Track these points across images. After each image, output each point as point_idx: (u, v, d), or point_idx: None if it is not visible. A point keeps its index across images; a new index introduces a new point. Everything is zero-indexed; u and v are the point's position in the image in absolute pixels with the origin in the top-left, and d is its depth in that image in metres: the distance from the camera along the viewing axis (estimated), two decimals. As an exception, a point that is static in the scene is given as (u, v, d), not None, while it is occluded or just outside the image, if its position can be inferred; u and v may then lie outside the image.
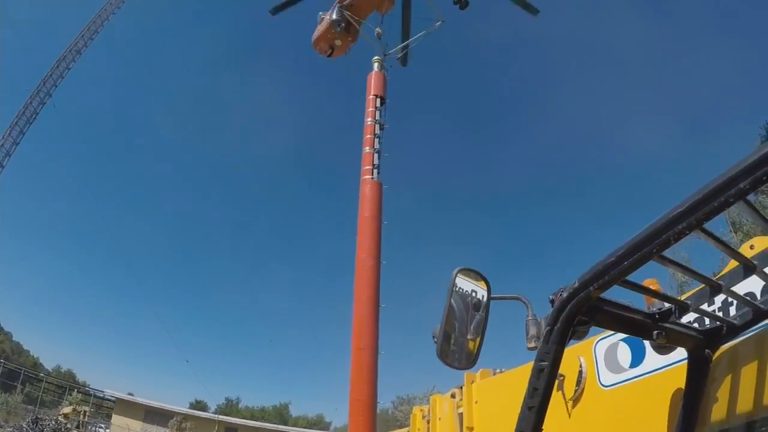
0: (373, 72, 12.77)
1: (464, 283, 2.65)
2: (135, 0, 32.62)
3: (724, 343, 2.21)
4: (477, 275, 2.76)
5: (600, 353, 2.72)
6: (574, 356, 2.75)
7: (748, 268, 2.53)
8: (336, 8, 14.43)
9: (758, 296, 3.43)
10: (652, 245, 1.82)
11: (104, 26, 29.30)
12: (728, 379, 2.26)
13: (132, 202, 55.23)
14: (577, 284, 1.65)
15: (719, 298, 2.95)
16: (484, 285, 2.66)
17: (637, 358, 2.79)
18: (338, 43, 14.44)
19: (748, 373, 2.22)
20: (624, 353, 2.67)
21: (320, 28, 14.71)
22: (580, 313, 1.65)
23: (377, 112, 11.41)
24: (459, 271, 2.70)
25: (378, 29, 13.68)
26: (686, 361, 2.15)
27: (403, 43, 14.21)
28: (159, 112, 51.75)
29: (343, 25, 14.19)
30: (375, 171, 10.26)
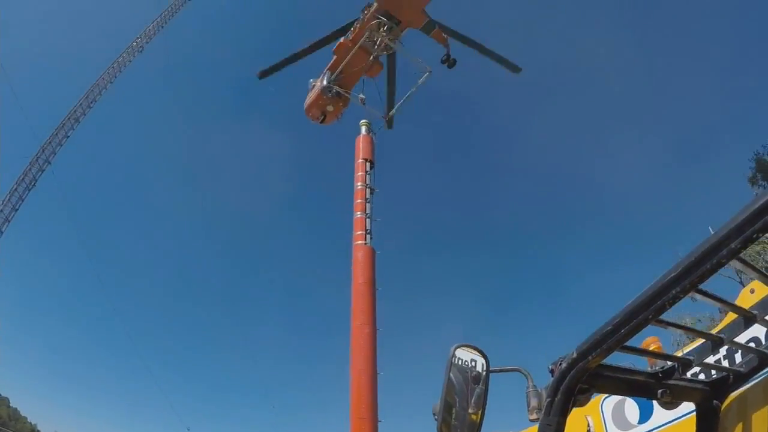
0: (361, 135, 13.08)
1: (463, 355, 2.72)
2: (131, 69, 33.60)
3: (732, 391, 2.18)
4: (475, 350, 2.85)
5: (607, 411, 2.73)
6: (581, 416, 2.72)
7: (748, 319, 2.52)
8: (326, 75, 14.78)
9: (763, 341, 3.41)
10: (648, 311, 1.81)
11: (102, 95, 30.31)
12: (739, 427, 2.21)
13: (129, 265, 55.24)
14: (575, 354, 1.63)
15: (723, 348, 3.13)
16: (483, 358, 2.74)
17: (645, 414, 2.79)
18: (330, 108, 14.64)
19: (759, 419, 2.18)
20: (632, 410, 2.67)
21: (311, 95, 14.94)
22: (580, 382, 1.63)
23: (367, 176, 11.63)
24: (456, 348, 2.78)
25: (361, 95, 13.96)
26: (695, 413, 2.09)
27: (391, 110, 14.53)
28: (155, 173, 52.62)
29: (334, 90, 14.44)
30: (367, 236, 10.37)
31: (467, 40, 15.43)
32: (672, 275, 1.94)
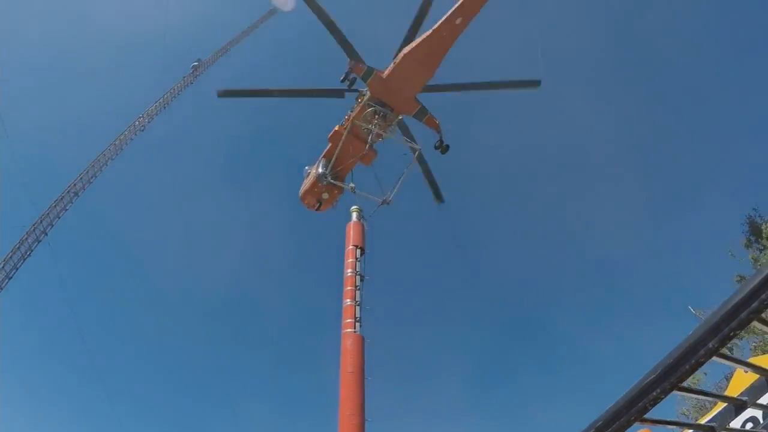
0: (352, 222, 13.34)
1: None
2: (132, 147, 34.85)
3: None
4: None
5: None
6: None
7: (739, 406, 2.79)
8: (321, 162, 15.11)
9: (761, 421, 3.51)
10: (629, 413, 1.89)
11: (102, 171, 31.29)
12: None
13: (120, 343, 53.94)
14: None
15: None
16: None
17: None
18: (325, 196, 14.92)
19: None
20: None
21: (306, 183, 15.21)
22: None
23: (357, 263, 11.93)
24: None
25: (351, 185, 14.30)
26: None
27: (386, 195, 14.55)
28: (149, 248, 52.86)
29: (329, 178, 14.63)
30: (357, 324, 10.56)
31: (477, 84, 16.10)
32: (651, 377, 2.06)
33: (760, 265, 23.11)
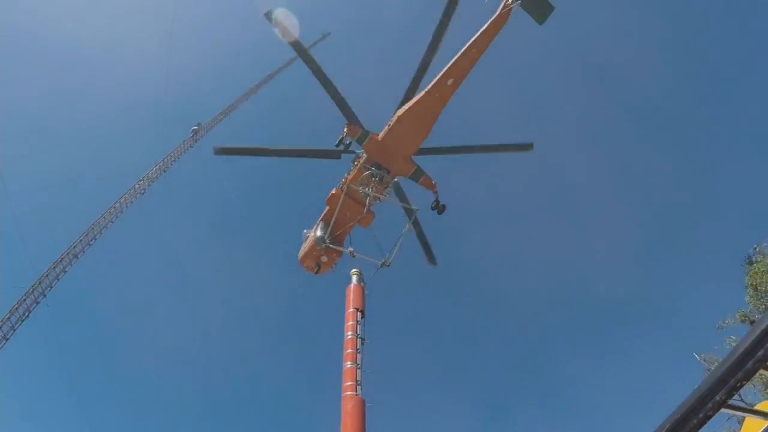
0: (352, 285, 13.50)
1: None
2: (133, 210, 35.51)
3: None
4: None
5: None
6: None
7: None
8: (319, 225, 15.30)
9: None
10: None
11: (102, 233, 31.79)
12: None
13: (121, 404, 52.45)
14: None
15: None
16: None
17: None
18: (324, 259, 15.08)
19: None
20: None
21: (305, 246, 15.39)
22: None
23: (357, 326, 12.09)
24: None
25: (350, 248, 14.52)
26: None
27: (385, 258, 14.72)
28: (149, 310, 52.64)
29: (328, 241, 14.80)
30: (357, 387, 10.65)
31: (472, 147, 16.40)
32: None
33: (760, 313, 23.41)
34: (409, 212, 15.80)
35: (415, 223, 16.38)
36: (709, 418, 1.86)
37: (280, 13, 13.64)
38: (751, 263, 25.20)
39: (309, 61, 14.04)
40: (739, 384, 1.86)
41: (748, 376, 1.91)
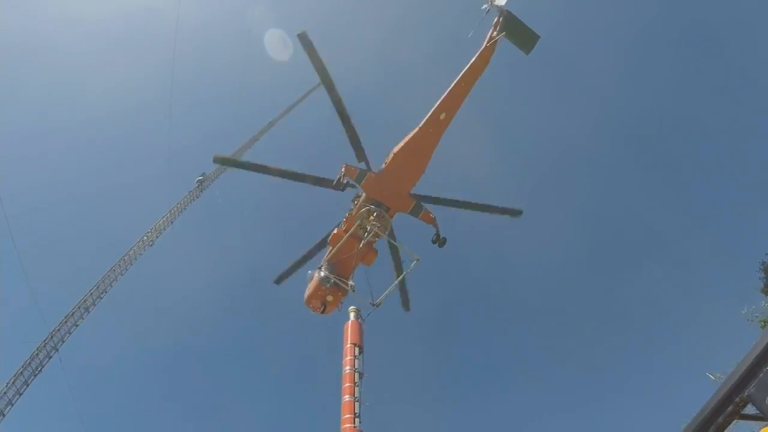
0: (350, 321, 14.02)
1: None
2: (141, 263, 36.21)
3: None
4: None
5: None
6: None
7: None
8: (323, 265, 15.52)
9: None
10: None
11: (113, 286, 32.37)
12: None
13: None
14: None
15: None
16: None
17: None
18: (330, 298, 15.04)
19: None
20: None
21: (311, 286, 15.38)
22: None
23: (356, 360, 12.48)
24: None
25: (351, 283, 14.85)
26: None
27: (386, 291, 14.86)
28: (161, 365, 53.06)
29: (333, 280, 14.85)
30: (356, 420, 11.01)
31: (466, 203, 16.32)
32: None
33: None
34: (395, 251, 16.03)
35: (399, 265, 16.39)
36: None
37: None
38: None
39: (330, 90, 13.69)
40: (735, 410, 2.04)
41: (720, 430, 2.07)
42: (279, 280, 17.72)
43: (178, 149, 51.82)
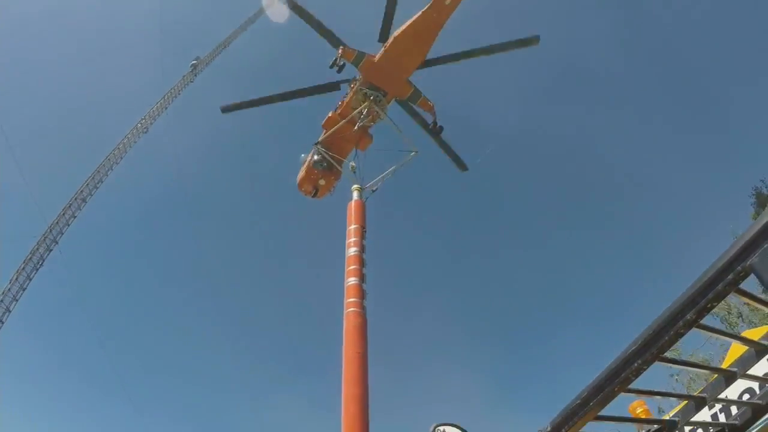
0: (353, 200, 13.04)
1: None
2: (138, 150, 34.88)
3: None
4: (457, 428, 2.90)
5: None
6: None
7: (729, 377, 2.70)
8: (316, 148, 15.08)
9: (757, 391, 3.29)
10: (613, 384, 1.91)
11: (108, 175, 31.41)
12: None
13: (140, 349, 54.62)
14: (549, 428, 1.68)
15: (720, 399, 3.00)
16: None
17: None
18: (322, 182, 14.91)
19: None
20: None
21: (303, 170, 15.17)
22: None
23: (361, 242, 11.56)
24: (436, 427, 2.88)
25: (352, 164, 14.24)
26: None
27: (379, 176, 14.41)
28: (160, 254, 53.59)
29: (325, 164, 14.72)
30: (361, 303, 10.20)
31: (473, 52, 15.50)
32: (633, 348, 2.08)
33: None
34: (424, 125, 15.38)
35: (434, 133, 15.71)
36: (680, 335, 1.87)
37: None
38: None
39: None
40: (709, 305, 1.82)
41: (719, 297, 1.89)
42: (228, 110, 16.70)
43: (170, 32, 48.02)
